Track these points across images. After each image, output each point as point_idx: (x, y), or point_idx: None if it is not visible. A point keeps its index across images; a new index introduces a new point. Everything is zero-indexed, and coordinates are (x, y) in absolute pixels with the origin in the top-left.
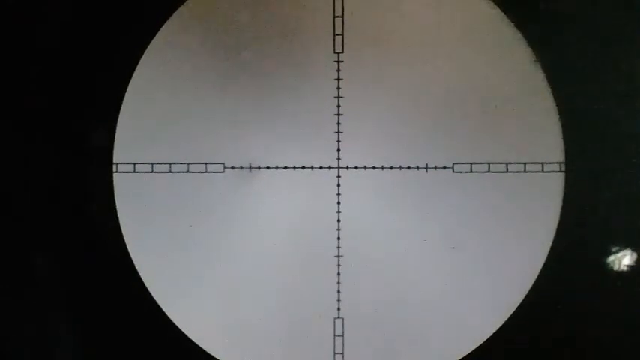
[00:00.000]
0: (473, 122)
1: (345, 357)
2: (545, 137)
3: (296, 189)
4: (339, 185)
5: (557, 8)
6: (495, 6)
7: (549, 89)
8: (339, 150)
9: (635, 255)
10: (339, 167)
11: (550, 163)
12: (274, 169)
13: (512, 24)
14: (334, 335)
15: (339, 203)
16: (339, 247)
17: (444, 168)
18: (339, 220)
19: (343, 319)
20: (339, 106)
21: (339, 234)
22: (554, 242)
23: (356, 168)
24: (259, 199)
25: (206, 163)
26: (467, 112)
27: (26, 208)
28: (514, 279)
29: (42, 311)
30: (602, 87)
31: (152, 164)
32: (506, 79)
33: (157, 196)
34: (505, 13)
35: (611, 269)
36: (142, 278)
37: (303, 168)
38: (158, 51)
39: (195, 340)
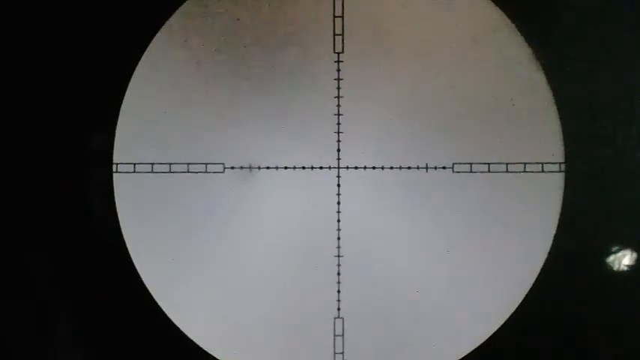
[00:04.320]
0: (473, 122)
1: (345, 357)
2: (545, 137)
3: (296, 189)
4: (339, 185)
5: (558, 8)
6: (495, 6)
7: (549, 89)
8: (339, 150)
9: (635, 255)
10: (339, 167)
11: (550, 163)
12: (274, 169)
13: (512, 24)
14: (334, 335)
15: (339, 203)
16: (339, 247)
17: (444, 168)
18: (339, 220)
19: (343, 319)
20: (339, 106)
21: (339, 234)
22: (554, 242)
23: (356, 168)
24: (259, 199)
25: (206, 163)
26: (467, 112)
27: (25, 208)
28: (514, 279)
29: (41, 311)
30: (602, 87)
31: (152, 164)
32: (506, 79)
33: (157, 196)
34: (505, 13)
35: (611, 269)
36: (142, 278)
37: (303, 168)
38: (158, 51)
39: (195, 340)
